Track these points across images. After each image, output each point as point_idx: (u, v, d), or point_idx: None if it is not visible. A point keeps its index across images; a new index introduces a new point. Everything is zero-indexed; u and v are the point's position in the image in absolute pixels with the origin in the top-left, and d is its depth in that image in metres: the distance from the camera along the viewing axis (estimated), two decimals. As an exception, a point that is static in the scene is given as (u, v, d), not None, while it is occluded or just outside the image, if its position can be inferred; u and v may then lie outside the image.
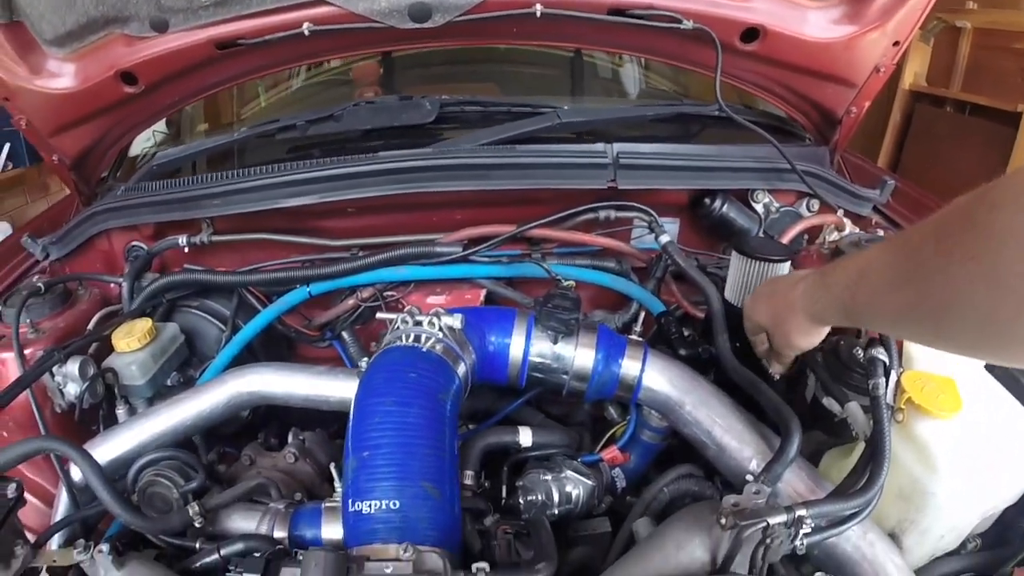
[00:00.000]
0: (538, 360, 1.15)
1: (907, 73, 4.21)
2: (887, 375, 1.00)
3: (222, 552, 0.99)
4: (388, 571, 0.77)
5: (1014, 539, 1.04)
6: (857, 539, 0.95)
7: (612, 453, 1.22)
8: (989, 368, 1.10)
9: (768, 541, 0.84)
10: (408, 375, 0.96)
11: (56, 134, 1.49)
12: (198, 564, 1.00)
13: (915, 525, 0.99)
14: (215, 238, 1.48)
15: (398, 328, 1.08)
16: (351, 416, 0.97)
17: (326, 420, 1.35)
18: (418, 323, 1.07)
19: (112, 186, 1.71)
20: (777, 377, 1.12)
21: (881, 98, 4.33)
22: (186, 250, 1.48)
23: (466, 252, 1.34)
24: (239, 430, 1.41)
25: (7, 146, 4.19)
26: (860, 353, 1.07)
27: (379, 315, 1.12)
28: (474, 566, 0.83)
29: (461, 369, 1.06)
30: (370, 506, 0.87)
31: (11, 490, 0.93)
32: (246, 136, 1.62)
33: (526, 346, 1.14)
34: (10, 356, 1.25)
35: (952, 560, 1.03)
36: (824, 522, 0.90)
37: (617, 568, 0.92)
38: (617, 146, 1.40)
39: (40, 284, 1.38)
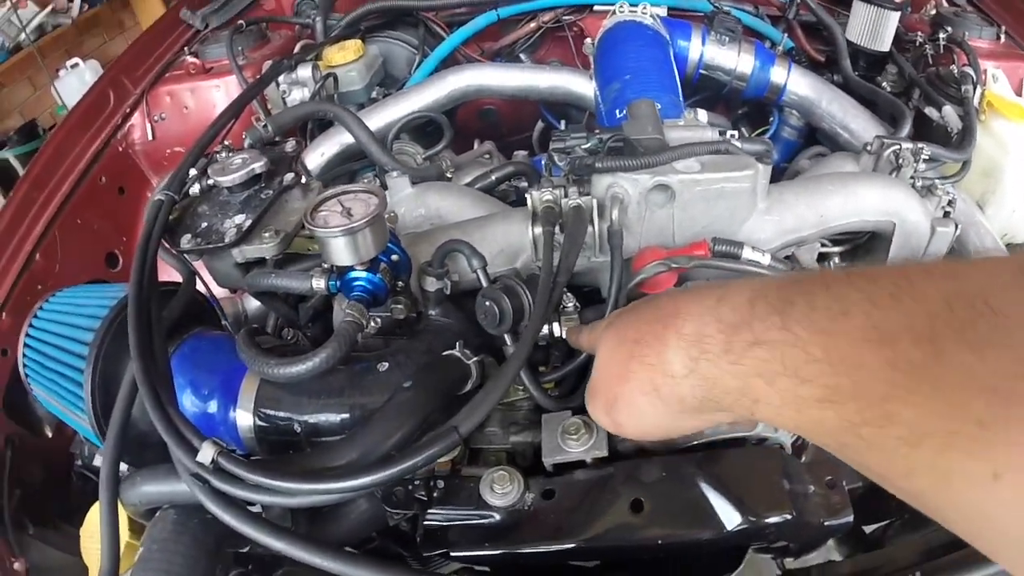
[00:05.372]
0: (710, 60, 1.55)
1: None
2: (974, 87, 1.43)
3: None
4: None
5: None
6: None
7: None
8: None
9: (898, 161, 1.29)
10: (645, 32, 1.37)
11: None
12: None
13: (993, 195, 1.40)
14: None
15: (615, 13, 1.48)
16: (598, 62, 1.37)
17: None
18: (632, 10, 1.47)
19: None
20: None
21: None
22: None
23: (642, -19, 1.71)
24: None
25: (78, -13, 4.37)
26: (955, 70, 1.51)
27: (596, 7, 1.52)
28: None
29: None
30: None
31: (290, 145, 1.03)
32: None
33: (702, 48, 1.54)
34: (230, 79, 1.61)
35: None
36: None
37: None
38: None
39: (242, 22, 1.72)
